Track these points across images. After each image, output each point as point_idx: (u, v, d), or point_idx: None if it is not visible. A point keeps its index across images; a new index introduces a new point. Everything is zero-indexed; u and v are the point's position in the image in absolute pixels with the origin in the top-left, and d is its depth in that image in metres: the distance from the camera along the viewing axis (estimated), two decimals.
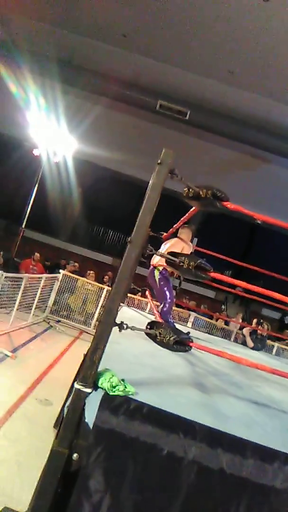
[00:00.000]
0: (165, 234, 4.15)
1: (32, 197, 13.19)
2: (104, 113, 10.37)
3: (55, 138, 11.91)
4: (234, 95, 9.26)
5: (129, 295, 9.05)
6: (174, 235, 4.21)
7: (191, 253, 4.21)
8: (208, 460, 1.50)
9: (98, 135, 11.99)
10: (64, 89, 9.98)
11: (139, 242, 1.72)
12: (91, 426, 1.53)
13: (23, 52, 9.41)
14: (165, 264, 3.74)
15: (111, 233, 16.77)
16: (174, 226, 4.04)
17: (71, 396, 1.66)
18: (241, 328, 9.08)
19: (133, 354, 2.55)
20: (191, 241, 4.36)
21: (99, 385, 1.62)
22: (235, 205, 2.07)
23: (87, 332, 9.72)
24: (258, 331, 6.49)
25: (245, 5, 6.97)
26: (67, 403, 1.76)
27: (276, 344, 10.33)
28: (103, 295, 10.12)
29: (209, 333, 7.56)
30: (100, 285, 10.50)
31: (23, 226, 13.41)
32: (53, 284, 9.96)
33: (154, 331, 1.97)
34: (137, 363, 2.35)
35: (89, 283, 10.60)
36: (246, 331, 6.60)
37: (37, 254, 11.23)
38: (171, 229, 4.12)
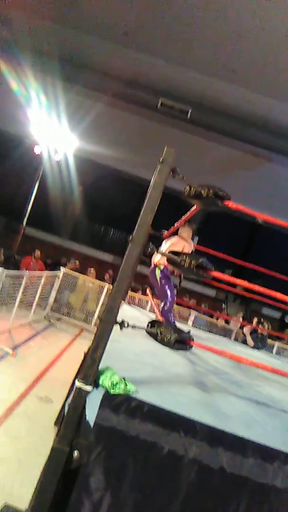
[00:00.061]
0: (165, 232, 4.15)
1: (33, 195, 13.21)
2: (105, 111, 10.36)
3: (56, 136, 11.91)
4: (236, 94, 9.23)
5: (130, 293, 9.06)
6: (175, 233, 4.21)
7: (192, 251, 4.20)
8: (209, 459, 1.50)
9: (99, 133, 11.98)
10: (65, 87, 9.97)
11: (141, 240, 1.72)
12: (91, 424, 1.53)
13: (24, 49, 9.40)
14: (166, 262, 3.73)
15: (112, 231, 16.78)
16: (175, 224, 4.03)
17: (72, 394, 1.66)
18: (241, 327, 9.08)
19: (134, 352, 2.55)
20: (192, 239, 4.36)
21: (100, 383, 1.62)
22: (237, 204, 2.06)
23: (88, 330, 9.73)
24: (259, 330, 6.49)
25: (246, 4, 6.96)
26: (68, 401, 1.76)
27: (276, 344, 10.34)
28: (103, 293, 10.13)
29: (209, 332, 7.55)
30: (101, 283, 10.51)
31: (24, 223, 13.42)
32: (54, 282, 9.97)
33: (155, 329, 1.97)
34: (137, 361, 2.35)
35: (90, 281, 10.61)
36: (246, 330, 6.59)
37: (38, 252, 11.24)
38: (172, 228, 4.11)
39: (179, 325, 4.57)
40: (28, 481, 2.90)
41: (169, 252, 2.05)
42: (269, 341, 9.17)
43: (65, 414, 1.67)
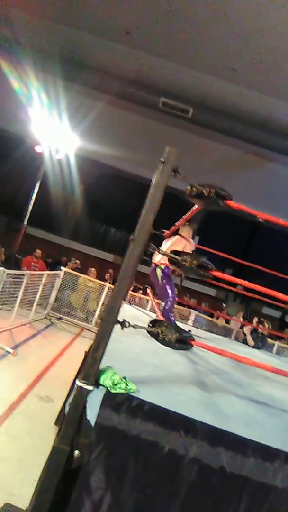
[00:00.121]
0: (166, 232, 4.15)
1: (34, 194, 13.21)
2: (106, 110, 10.36)
3: (57, 135, 11.91)
4: (237, 93, 9.23)
5: (130, 292, 9.06)
6: (175, 233, 4.21)
7: (193, 251, 4.20)
8: (209, 458, 1.50)
9: (100, 133, 11.98)
10: (66, 86, 9.97)
11: (142, 240, 1.72)
12: (92, 423, 1.53)
13: (26, 48, 9.40)
14: (167, 262, 3.73)
15: (112, 231, 16.78)
16: (176, 224, 4.03)
17: (73, 393, 1.66)
18: (241, 327, 9.08)
19: (135, 352, 2.55)
20: (192, 238, 4.36)
21: (101, 382, 1.63)
22: (238, 204, 2.06)
23: (88, 329, 9.74)
24: (259, 329, 6.49)
25: (248, 3, 6.95)
26: (68, 400, 1.76)
27: (276, 343, 10.33)
28: (104, 293, 10.14)
29: (209, 331, 7.55)
30: (102, 282, 10.51)
31: (25, 222, 13.42)
32: (55, 281, 9.98)
33: (156, 329, 1.97)
34: (138, 361, 2.35)
35: (91, 280, 10.61)
36: (246, 329, 6.59)
37: (38, 251, 11.24)
38: (172, 227, 4.11)
39: (179, 324, 4.58)
40: (28, 480, 2.91)
41: (170, 251, 2.04)
42: (269, 340, 9.17)
43: (66, 413, 1.67)
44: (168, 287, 4.02)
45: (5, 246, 11.38)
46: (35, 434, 3.83)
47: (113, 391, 1.58)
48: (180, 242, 4.11)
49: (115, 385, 1.59)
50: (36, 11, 8.82)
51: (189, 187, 2.05)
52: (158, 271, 4.03)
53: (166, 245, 4.13)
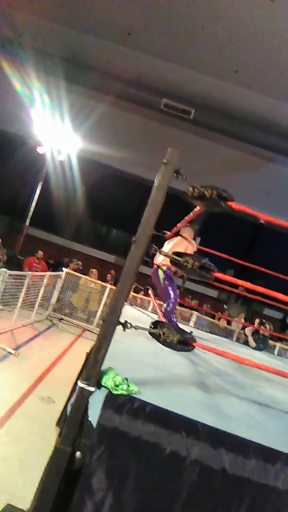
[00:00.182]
0: (168, 233, 4.15)
1: (36, 195, 13.23)
2: (108, 111, 10.37)
3: (59, 136, 11.93)
4: (239, 95, 9.23)
5: (132, 294, 9.06)
6: (177, 234, 4.21)
7: (195, 252, 4.21)
8: (211, 460, 1.50)
9: (102, 134, 12.00)
10: (68, 87, 9.99)
11: (144, 241, 1.73)
12: (94, 424, 1.53)
13: (28, 50, 9.41)
14: (169, 263, 3.73)
15: (114, 232, 16.78)
16: (178, 225, 4.03)
17: (75, 394, 1.67)
18: (243, 328, 9.07)
19: (136, 353, 2.56)
20: (194, 240, 4.36)
21: (103, 383, 1.63)
22: (240, 205, 2.06)
23: (90, 330, 9.74)
24: (260, 331, 6.49)
25: (250, 5, 6.95)
26: (70, 401, 1.76)
27: (278, 345, 10.32)
28: (105, 294, 10.14)
29: (211, 333, 7.55)
30: (103, 284, 10.51)
31: (27, 223, 13.45)
32: (56, 282, 9.99)
33: (158, 330, 1.97)
34: (140, 362, 2.35)
35: (92, 282, 10.62)
36: (248, 331, 6.59)
37: (40, 252, 11.26)
38: (174, 228, 4.11)
39: (180, 325, 4.57)
40: (30, 481, 2.91)
41: (172, 253, 2.04)
42: (271, 342, 9.16)
43: (68, 414, 1.68)
44: (170, 288, 4.02)
45: (7, 247, 11.40)
46: (37, 435, 3.83)
47: (115, 392, 1.58)
48: (182, 243, 4.11)
49: (117, 386, 1.59)
50: (38, 13, 8.84)
51: (191, 189, 2.05)
52: (160, 273, 4.03)
53: (168, 246, 4.12)
